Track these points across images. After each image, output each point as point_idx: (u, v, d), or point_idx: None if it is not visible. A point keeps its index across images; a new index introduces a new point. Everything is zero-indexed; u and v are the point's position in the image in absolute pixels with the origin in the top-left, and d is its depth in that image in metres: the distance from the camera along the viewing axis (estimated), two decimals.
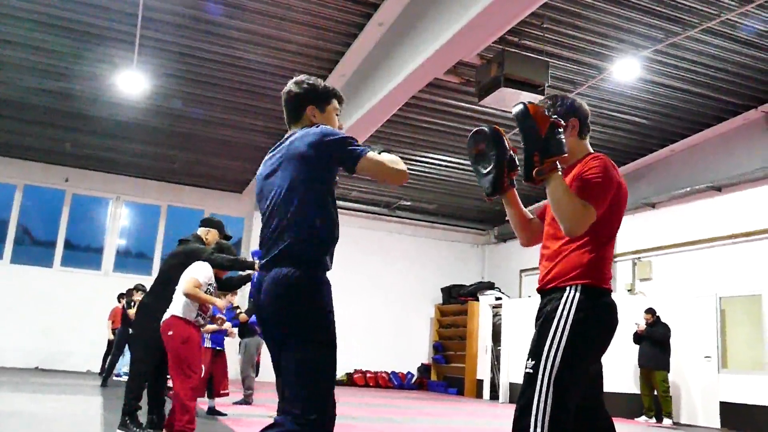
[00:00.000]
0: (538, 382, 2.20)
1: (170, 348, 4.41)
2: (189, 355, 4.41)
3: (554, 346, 2.22)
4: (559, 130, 2.28)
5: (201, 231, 5.34)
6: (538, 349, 2.25)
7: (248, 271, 4.98)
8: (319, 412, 2.13)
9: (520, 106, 2.29)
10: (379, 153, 2.30)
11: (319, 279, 2.25)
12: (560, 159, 2.28)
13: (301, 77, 2.50)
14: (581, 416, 2.28)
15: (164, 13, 7.60)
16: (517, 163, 2.44)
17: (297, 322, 2.20)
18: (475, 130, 2.51)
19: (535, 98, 7.26)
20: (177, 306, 4.48)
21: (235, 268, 4.93)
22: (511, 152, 2.44)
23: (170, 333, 4.39)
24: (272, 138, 10.42)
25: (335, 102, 2.51)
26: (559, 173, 2.26)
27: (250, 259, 4.94)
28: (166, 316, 4.48)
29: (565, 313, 2.25)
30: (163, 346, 4.54)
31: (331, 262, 2.32)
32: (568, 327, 2.23)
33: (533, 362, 2.25)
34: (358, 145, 2.28)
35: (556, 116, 2.36)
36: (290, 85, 2.48)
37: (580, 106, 2.53)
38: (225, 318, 5.19)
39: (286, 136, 2.44)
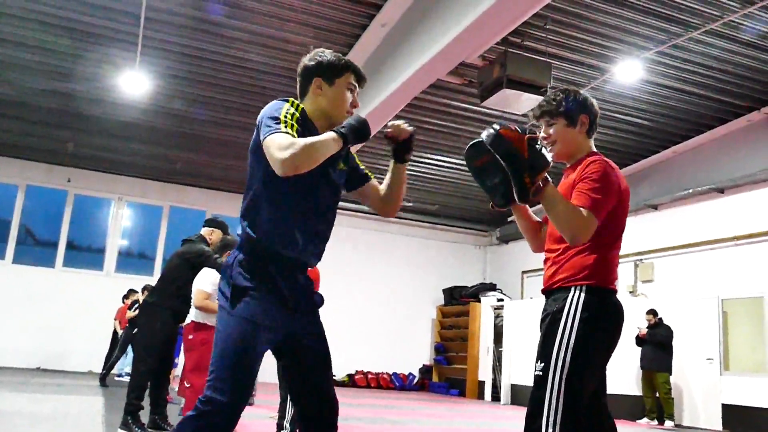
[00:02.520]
0: (549, 384, 2.19)
1: (189, 351, 4.58)
2: (207, 357, 4.51)
3: (563, 347, 2.21)
4: (538, 142, 2.26)
5: (205, 231, 5.36)
6: (546, 351, 2.24)
7: None
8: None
9: (492, 132, 2.23)
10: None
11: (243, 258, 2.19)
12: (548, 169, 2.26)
13: (318, 50, 2.30)
14: (587, 417, 2.27)
15: (167, 14, 7.61)
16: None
17: None
18: (473, 142, 2.36)
19: (537, 99, 7.25)
20: (194, 312, 4.62)
21: None
22: None
23: (190, 337, 4.57)
24: None
25: (350, 76, 2.24)
26: (551, 185, 2.25)
27: None
28: (186, 321, 4.67)
29: (572, 313, 2.24)
30: (165, 346, 4.58)
31: (285, 245, 2.16)
32: (575, 327, 2.22)
33: (542, 364, 2.23)
34: (274, 124, 2.04)
35: (526, 132, 2.28)
36: (303, 59, 2.30)
37: (592, 104, 2.52)
38: None
39: None
